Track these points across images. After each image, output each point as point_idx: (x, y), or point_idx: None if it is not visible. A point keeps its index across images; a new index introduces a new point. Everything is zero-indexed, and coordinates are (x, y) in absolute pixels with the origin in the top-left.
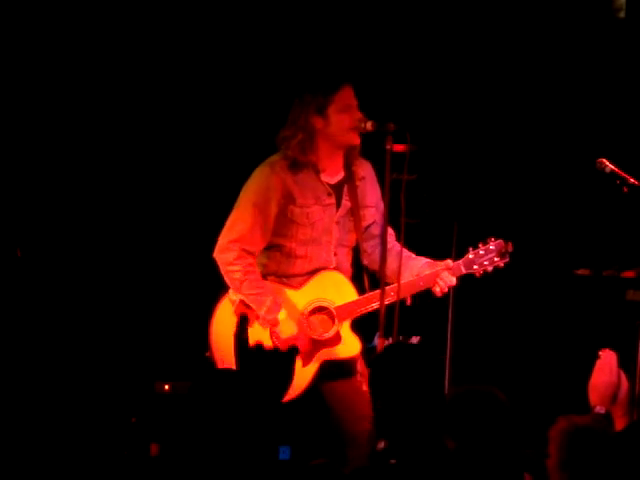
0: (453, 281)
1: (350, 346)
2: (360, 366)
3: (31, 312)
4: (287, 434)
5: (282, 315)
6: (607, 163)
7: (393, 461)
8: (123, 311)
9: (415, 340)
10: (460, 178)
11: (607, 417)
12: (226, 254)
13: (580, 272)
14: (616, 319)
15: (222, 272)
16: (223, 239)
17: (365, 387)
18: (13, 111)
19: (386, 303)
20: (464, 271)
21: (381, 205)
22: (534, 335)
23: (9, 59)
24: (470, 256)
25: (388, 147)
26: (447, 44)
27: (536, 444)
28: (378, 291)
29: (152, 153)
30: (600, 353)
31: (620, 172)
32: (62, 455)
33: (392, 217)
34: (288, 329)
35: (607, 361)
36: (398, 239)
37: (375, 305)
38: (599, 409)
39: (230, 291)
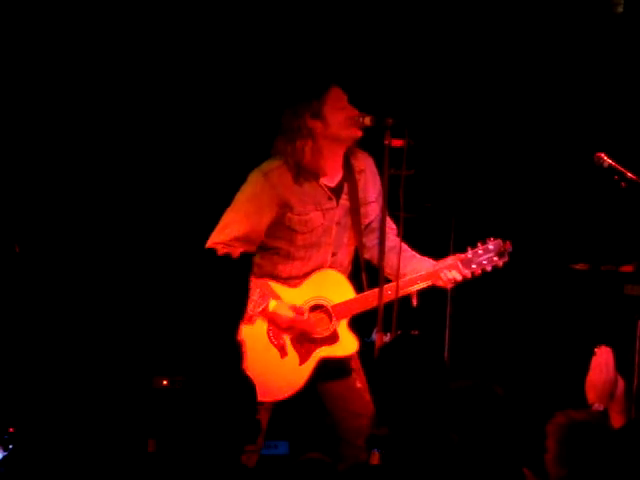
0: (458, 277)
1: (347, 345)
2: (354, 363)
3: (29, 308)
4: (285, 429)
5: (272, 304)
6: (605, 158)
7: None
8: (121, 306)
9: None
10: (458, 173)
11: (605, 414)
12: None
13: (578, 267)
14: (614, 314)
15: None
16: (212, 240)
17: (359, 384)
18: (11, 108)
19: (385, 301)
20: (462, 270)
21: (382, 198)
22: (532, 330)
23: (9, 59)
24: (469, 255)
25: (386, 142)
26: (445, 39)
27: (534, 439)
28: (376, 289)
29: (151, 148)
30: (596, 350)
31: (618, 167)
32: (59, 449)
33: (390, 212)
34: (285, 313)
35: (603, 358)
36: (398, 234)
37: (373, 304)
38: (597, 406)
39: None
